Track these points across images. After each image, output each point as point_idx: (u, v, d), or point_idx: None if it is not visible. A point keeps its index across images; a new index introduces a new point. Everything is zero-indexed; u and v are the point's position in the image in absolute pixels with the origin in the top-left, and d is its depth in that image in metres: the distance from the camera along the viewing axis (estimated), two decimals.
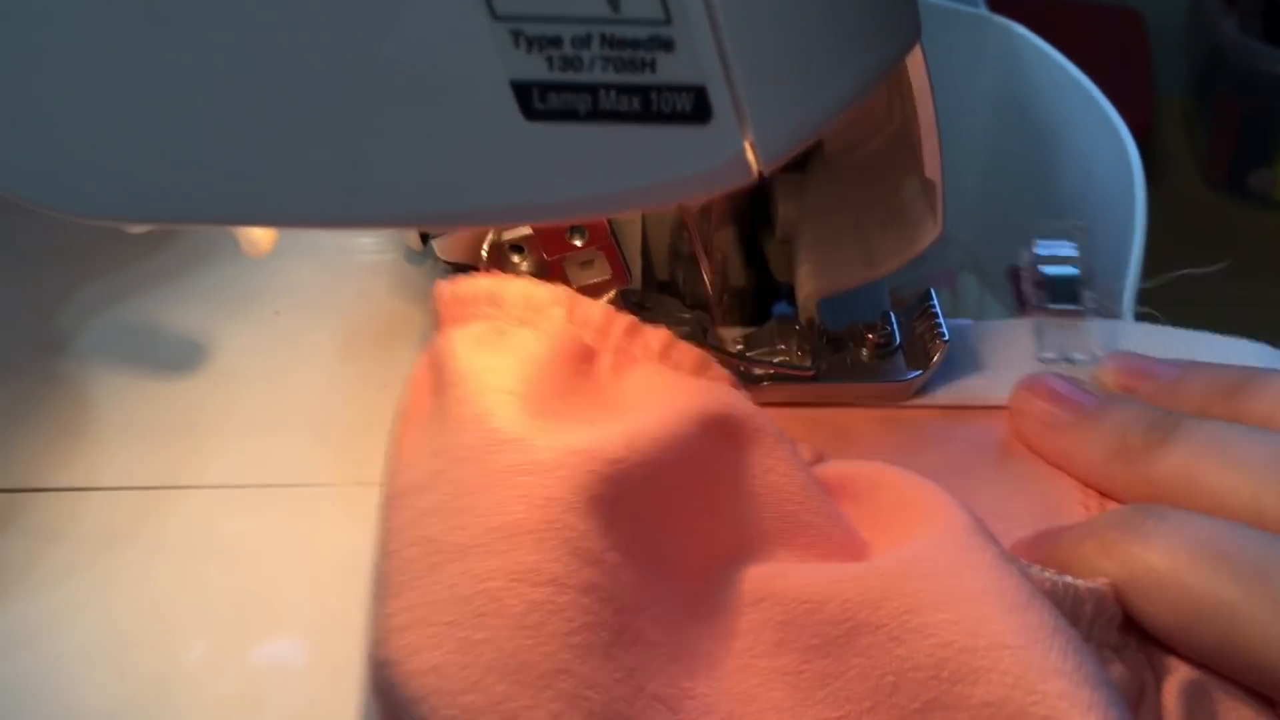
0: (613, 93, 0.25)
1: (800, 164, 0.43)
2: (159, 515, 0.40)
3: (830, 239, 0.40)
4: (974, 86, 0.59)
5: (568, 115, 0.26)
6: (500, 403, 0.30)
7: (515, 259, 0.35)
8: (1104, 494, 0.33)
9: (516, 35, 0.25)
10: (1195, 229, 1.11)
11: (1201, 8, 1.10)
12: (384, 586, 0.29)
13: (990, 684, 0.25)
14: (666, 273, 0.44)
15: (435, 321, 0.34)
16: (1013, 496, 0.34)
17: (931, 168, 0.35)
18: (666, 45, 0.25)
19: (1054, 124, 0.56)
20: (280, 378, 0.45)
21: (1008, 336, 0.39)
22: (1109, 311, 0.39)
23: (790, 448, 0.32)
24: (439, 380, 0.32)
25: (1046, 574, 0.28)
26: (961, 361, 0.38)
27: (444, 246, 0.35)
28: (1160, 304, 0.43)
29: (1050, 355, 0.37)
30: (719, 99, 0.25)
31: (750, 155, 0.26)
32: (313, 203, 0.28)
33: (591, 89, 0.25)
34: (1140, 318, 0.41)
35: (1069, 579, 0.28)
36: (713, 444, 0.30)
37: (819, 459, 0.34)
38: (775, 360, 0.37)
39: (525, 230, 0.34)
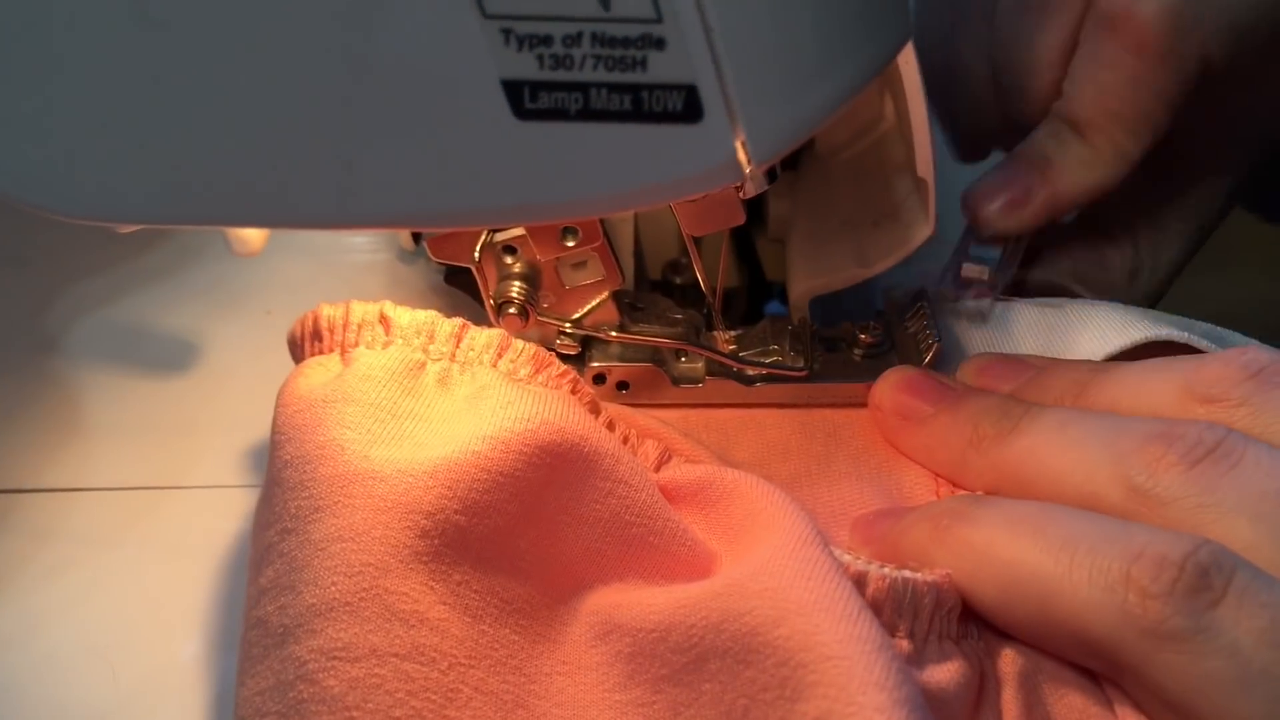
0: (604, 91, 0.25)
1: (792, 163, 0.43)
2: (150, 515, 0.40)
3: (822, 238, 0.40)
4: None
5: (559, 114, 0.26)
6: (314, 459, 0.29)
7: (508, 260, 0.35)
8: (959, 485, 0.33)
9: (507, 34, 0.25)
10: None
11: None
12: (237, 672, 0.29)
13: (817, 698, 0.25)
14: (659, 273, 0.44)
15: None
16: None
17: (924, 166, 0.35)
18: (658, 44, 0.25)
19: None
20: (272, 377, 0.44)
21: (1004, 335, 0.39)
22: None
23: (629, 463, 0.31)
24: (271, 442, 0.32)
25: (885, 570, 0.28)
26: (955, 361, 0.38)
27: (436, 248, 0.35)
28: (1154, 303, 0.43)
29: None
30: (710, 98, 0.25)
31: (741, 155, 0.26)
32: (304, 203, 0.28)
33: (582, 88, 0.25)
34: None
35: (907, 573, 0.28)
36: (543, 476, 0.30)
37: (666, 459, 0.33)
38: (768, 361, 0.37)
39: (518, 231, 0.34)
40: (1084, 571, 0.26)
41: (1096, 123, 0.37)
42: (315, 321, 0.34)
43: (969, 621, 0.29)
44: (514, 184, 0.27)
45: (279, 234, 0.43)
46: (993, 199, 0.38)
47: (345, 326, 0.33)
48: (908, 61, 0.32)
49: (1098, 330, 0.36)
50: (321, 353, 0.33)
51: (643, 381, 0.37)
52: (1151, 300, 0.42)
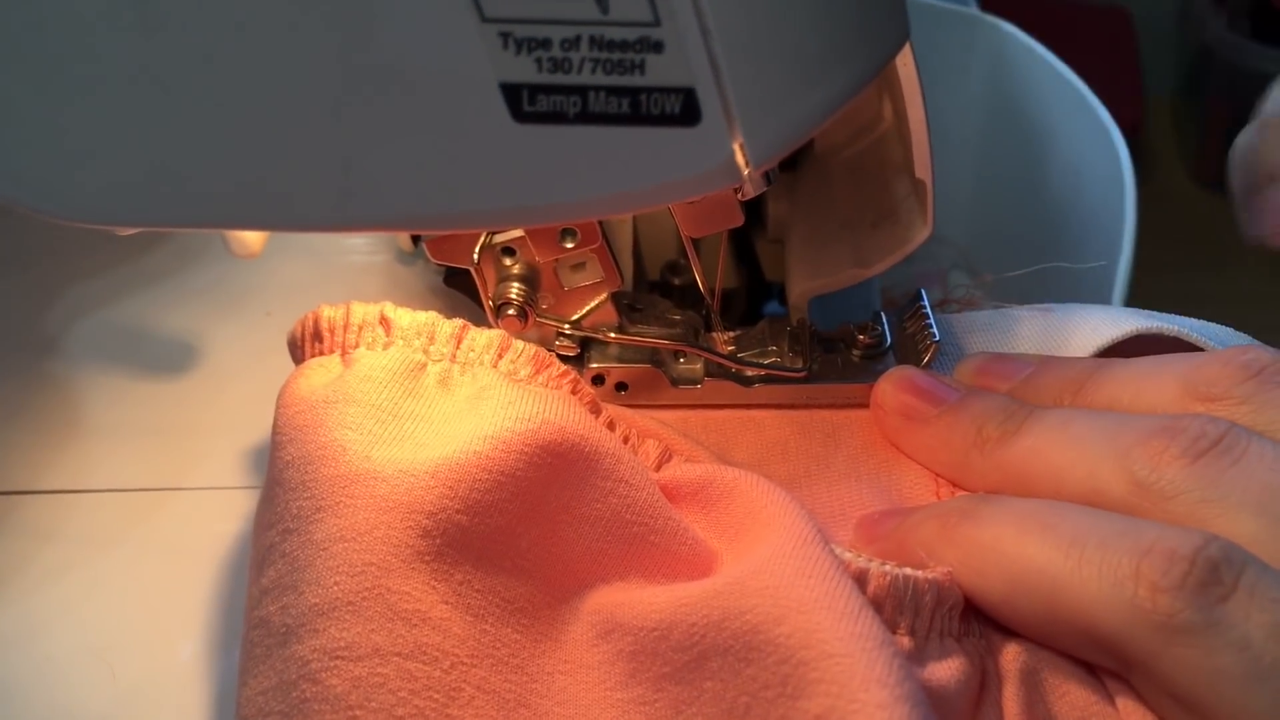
0: (602, 94, 0.25)
1: (791, 164, 0.43)
2: (149, 517, 0.40)
3: (821, 239, 0.40)
4: (964, 86, 0.59)
5: (557, 117, 0.26)
6: (317, 460, 0.29)
7: (507, 262, 0.35)
8: (962, 486, 0.33)
9: (505, 37, 0.25)
10: (1184, 226, 1.11)
11: (1190, 6, 1.10)
12: (239, 671, 0.29)
13: (819, 695, 0.25)
14: (658, 274, 0.44)
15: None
16: None
17: (922, 167, 0.35)
18: (656, 47, 0.25)
19: (1044, 123, 0.56)
20: (271, 379, 0.44)
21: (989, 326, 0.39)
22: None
23: (630, 462, 0.31)
24: (272, 443, 0.32)
25: (886, 568, 0.28)
26: (953, 362, 0.38)
27: (435, 249, 0.35)
28: (1152, 303, 0.43)
29: None
30: (708, 101, 0.25)
31: (739, 157, 0.26)
32: (304, 206, 0.28)
33: (581, 91, 0.25)
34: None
35: (908, 571, 0.28)
36: (544, 475, 0.30)
37: (666, 459, 0.33)
38: (766, 361, 0.37)
39: (517, 233, 0.34)
40: (1093, 567, 0.26)
41: None
42: (315, 322, 0.34)
43: (970, 619, 0.29)
44: (512, 186, 0.27)
45: (278, 236, 0.43)
46: None
47: (346, 328, 0.33)
48: (906, 63, 0.32)
49: (1090, 325, 0.37)
50: (322, 354, 0.33)
51: (641, 382, 0.37)
52: None
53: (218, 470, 0.41)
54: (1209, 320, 0.37)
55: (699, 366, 0.37)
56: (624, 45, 0.25)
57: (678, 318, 0.37)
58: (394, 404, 0.31)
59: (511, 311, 0.35)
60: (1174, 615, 0.25)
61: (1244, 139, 0.37)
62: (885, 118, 0.41)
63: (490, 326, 0.35)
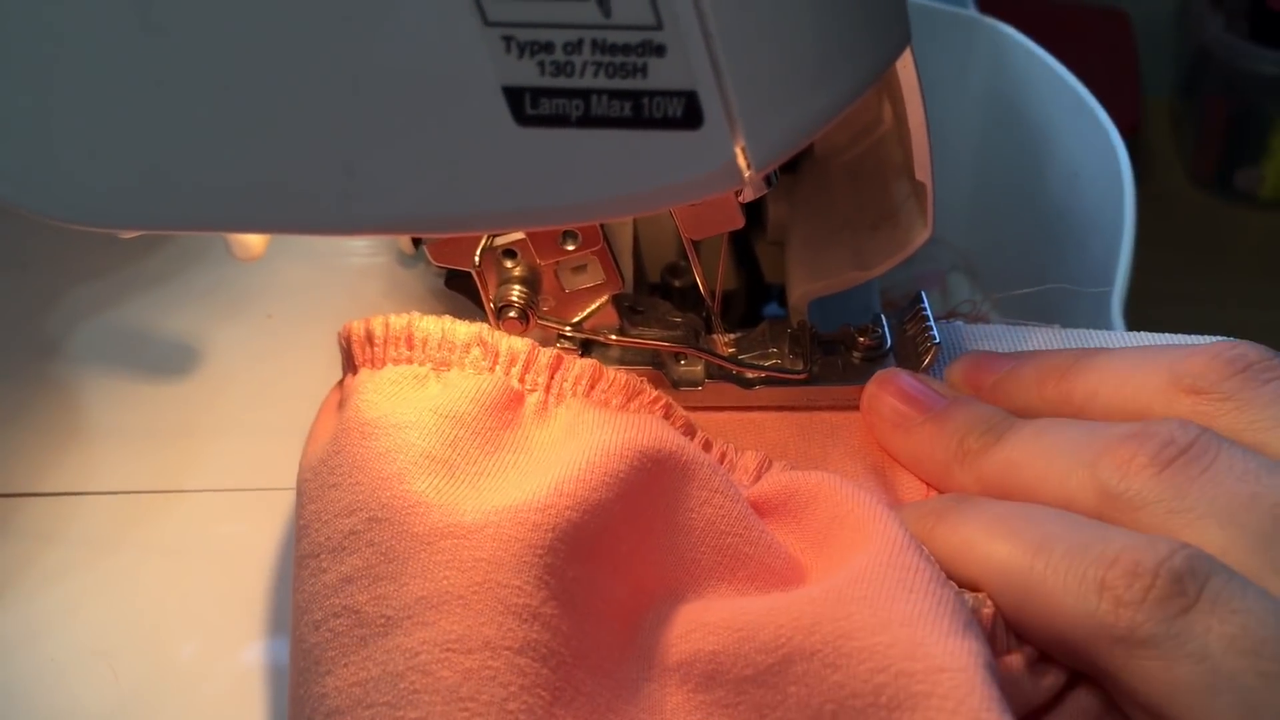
0: (604, 98, 0.25)
1: (791, 166, 0.43)
2: (151, 518, 0.40)
3: (821, 241, 0.40)
4: (964, 88, 0.59)
5: (559, 120, 0.26)
6: (417, 461, 0.30)
7: (508, 264, 0.35)
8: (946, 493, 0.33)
9: (508, 41, 0.25)
10: (1182, 228, 1.11)
11: (1188, 8, 1.10)
12: (313, 660, 0.29)
13: (930, 709, 0.24)
14: (658, 276, 0.44)
15: (345, 362, 0.34)
16: None
17: (921, 169, 0.35)
18: (658, 51, 0.25)
19: (1043, 124, 0.56)
20: (272, 381, 0.45)
21: (996, 341, 0.39)
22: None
23: (724, 476, 0.31)
24: (347, 430, 0.31)
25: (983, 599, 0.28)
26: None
27: (436, 251, 0.35)
28: (1150, 304, 0.43)
29: None
30: (710, 104, 0.25)
31: (741, 160, 0.26)
32: (306, 209, 0.28)
33: (583, 94, 0.25)
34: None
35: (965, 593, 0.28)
36: (644, 480, 0.30)
37: (767, 467, 0.33)
38: (767, 364, 0.37)
39: (518, 235, 0.34)
40: (1059, 577, 0.26)
41: None
42: (409, 329, 0.33)
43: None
44: (515, 190, 0.27)
45: (279, 238, 0.44)
46: None
47: (444, 344, 0.33)
48: (905, 66, 0.33)
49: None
50: (410, 362, 0.33)
51: None
52: None
53: (219, 472, 0.41)
54: (1208, 320, 0.37)
55: (700, 368, 0.37)
56: (626, 49, 0.25)
57: (678, 320, 0.37)
58: (496, 433, 0.31)
59: (513, 314, 0.35)
60: (1136, 629, 0.25)
61: None
62: (885, 120, 0.41)
63: (492, 328, 0.35)
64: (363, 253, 0.50)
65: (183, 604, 0.38)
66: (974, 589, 0.28)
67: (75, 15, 0.26)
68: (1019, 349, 0.38)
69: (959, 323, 0.39)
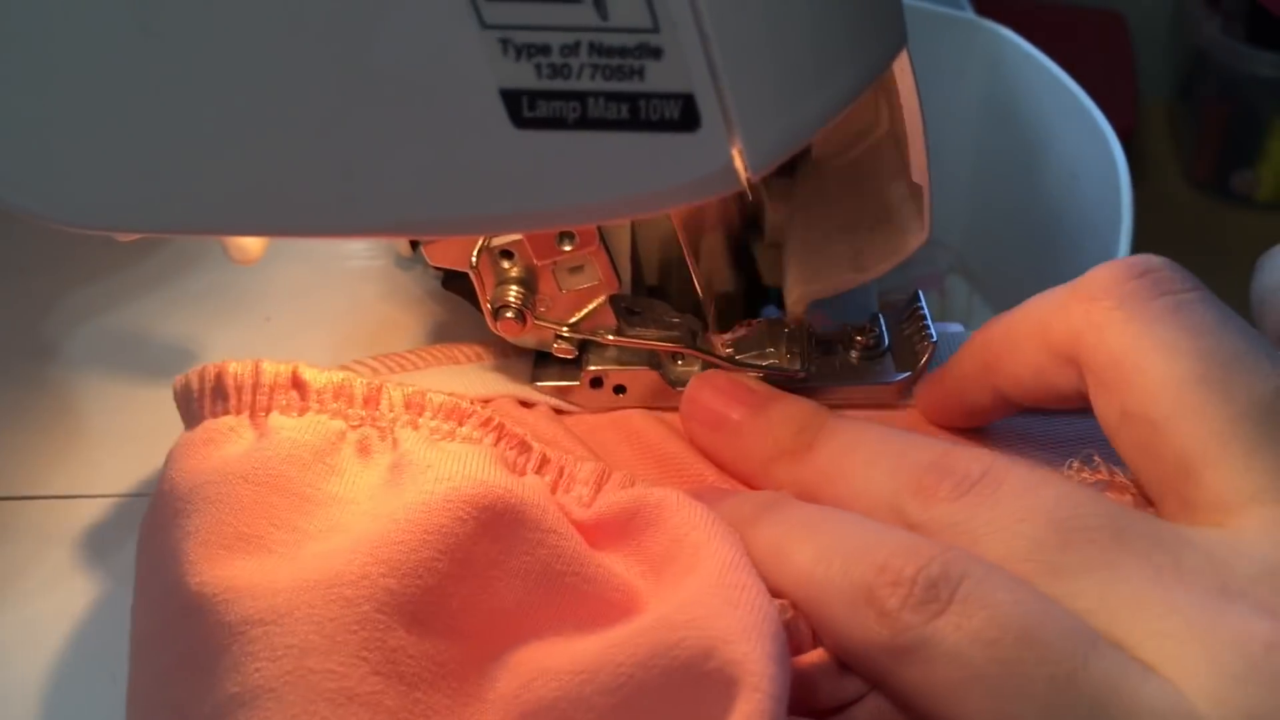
0: (601, 100, 0.25)
1: (789, 168, 0.43)
2: None
3: (819, 243, 0.40)
4: (961, 90, 0.59)
5: (556, 123, 0.26)
6: (228, 543, 0.28)
7: (505, 264, 0.35)
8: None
9: (505, 43, 0.25)
10: (1179, 230, 1.11)
11: (1184, 10, 1.11)
12: None
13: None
14: (656, 277, 0.44)
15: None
16: None
17: (918, 172, 0.35)
18: (655, 53, 0.25)
19: (1040, 127, 0.56)
20: None
21: None
22: None
23: (556, 513, 0.30)
24: (161, 506, 0.31)
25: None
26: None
27: (433, 252, 0.35)
28: None
29: None
30: (707, 107, 0.25)
31: (738, 163, 0.26)
32: (303, 212, 0.28)
33: (580, 97, 0.25)
34: None
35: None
36: (471, 530, 0.29)
37: (604, 481, 0.32)
38: (764, 363, 0.37)
39: (515, 236, 0.34)
40: (836, 586, 0.27)
41: None
42: (219, 378, 0.32)
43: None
44: (512, 192, 0.27)
45: (277, 241, 0.44)
46: None
47: (256, 388, 0.32)
48: (902, 68, 0.33)
49: None
50: (226, 414, 0.32)
51: (640, 385, 0.37)
52: None
53: None
54: None
55: (697, 369, 0.37)
56: (623, 51, 0.25)
57: (676, 320, 0.37)
58: (314, 489, 0.30)
59: (509, 314, 0.35)
60: (894, 639, 0.25)
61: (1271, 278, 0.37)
62: (882, 123, 0.41)
63: (490, 329, 0.35)
64: (360, 255, 0.50)
65: None
66: (779, 595, 0.28)
67: (73, 18, 0.26)
68: None
69: (960, 326, 0.39)
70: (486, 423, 0.32)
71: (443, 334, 0.45)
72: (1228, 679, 0.23)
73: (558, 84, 0.25)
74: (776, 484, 0.33)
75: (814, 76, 0.27)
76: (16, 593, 0.38)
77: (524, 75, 0.25)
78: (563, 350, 0.37)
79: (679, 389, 0.37)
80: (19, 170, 0.28)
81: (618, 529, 0.31)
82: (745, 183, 0.26)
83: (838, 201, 0.41)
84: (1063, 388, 0.31)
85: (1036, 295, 0.32)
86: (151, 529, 0.31)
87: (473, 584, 0.29)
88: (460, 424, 0.32)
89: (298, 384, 0.32)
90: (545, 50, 0.25)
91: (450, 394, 0.33)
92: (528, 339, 0.37)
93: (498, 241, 0.35)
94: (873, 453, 0.31)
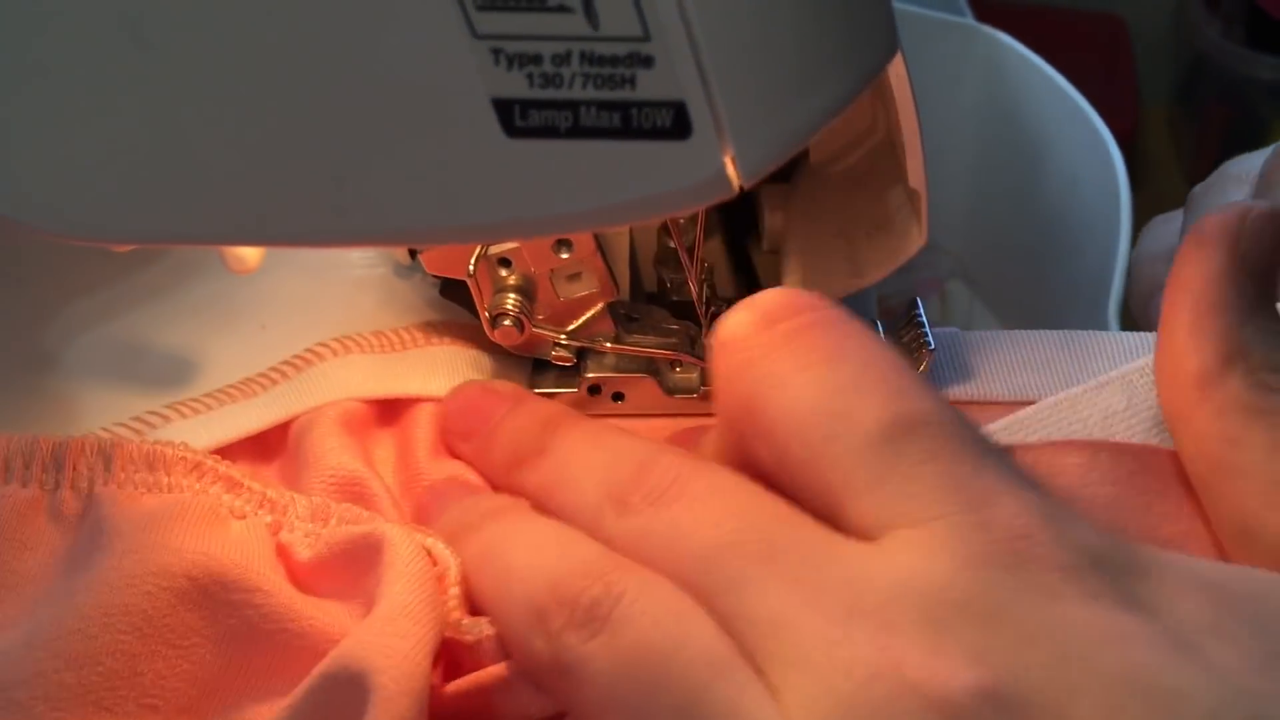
0: (593, 109, 0.25)
1: (786, 175, 0.43)
2: None
3: (817, 249, 0.40)
4: (959, 95, 0.59)
5: (549, 132, 0.26)
6: None
7: (503, 272, 0.35)
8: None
9: (497, 53, 0.25)
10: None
11: (1184, 14, 1.10)
12: None
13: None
14: (654, 284, 0.44)
15: None
16: None
17: (916, 177, 0.35)
18: (646, 62, 0.25)
19: (1039, 132, 0.56)
20: None
21: (993, 345, 0.39)
22: None
23: (261, 568, 0.29)
24: None
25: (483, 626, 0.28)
26: (948, 370, 0.38)
27: (431, 260, 0.35)
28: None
29: None
30: (699, 114, 0.25)
31: (730, 170, 0.26)
32: (298, 222, 0.28)
33: (572, 106, 0.25)
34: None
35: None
36: (167, 602, 0.28)
37: (323, 518, 0.31)
38: None
39: (513, 244, 0.35)
40: (517, 609, 0.27)
41: None
42: None
43: None
44: (505, 201, 0.27)
45: (275, 250, 0.44)
46: None
47: None
48: (899, 73, 0.33)
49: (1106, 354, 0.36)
50: None
51: (638, 392, 0.37)
52: None
53: None
54: None
55: (695, 375, 0.37)
56: (614, 60, 0.25)
57: (674, 327, 0.37)
58: (7, 569, 0.29)
59: (508, 322, 0.35)
60: (556, 658, 0.25)
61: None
62: (879, 128, 0.41)
63: (488, 337, 0.35)
64: (359, 265, 0.50)
65: None
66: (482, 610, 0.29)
67: (66, 29, 0.26)
68: (1016, 353, 0.38)
69: (955, 329, 0.39)
70: (188, 466, 0.30)
71: None
72: (830, 707, 0.23)
73: (550, 93, 0.25)
74: (519, 490, 0.32)
75: (805, 83, 0.27)
76: None
77: (516, 85, 0.25)
78: (561, 358, 0.37)
79: (677, 396, 0.37)
80: (14, 181, 0.28)
81: (340, 567, 0.30)
82: (738, 190, 0.26)
83: (835, 208, 0.41)
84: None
85: None
86: None
87: (169, 655, 0.28)
88: (167, 474, 0.30)
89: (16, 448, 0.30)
90: (537, 60, 0.25)
91: (186, 446, 0.31)
92: (525, 346, 0.37)
93: (495, 249, 0.35)
94: (590, 461, 0.30)
